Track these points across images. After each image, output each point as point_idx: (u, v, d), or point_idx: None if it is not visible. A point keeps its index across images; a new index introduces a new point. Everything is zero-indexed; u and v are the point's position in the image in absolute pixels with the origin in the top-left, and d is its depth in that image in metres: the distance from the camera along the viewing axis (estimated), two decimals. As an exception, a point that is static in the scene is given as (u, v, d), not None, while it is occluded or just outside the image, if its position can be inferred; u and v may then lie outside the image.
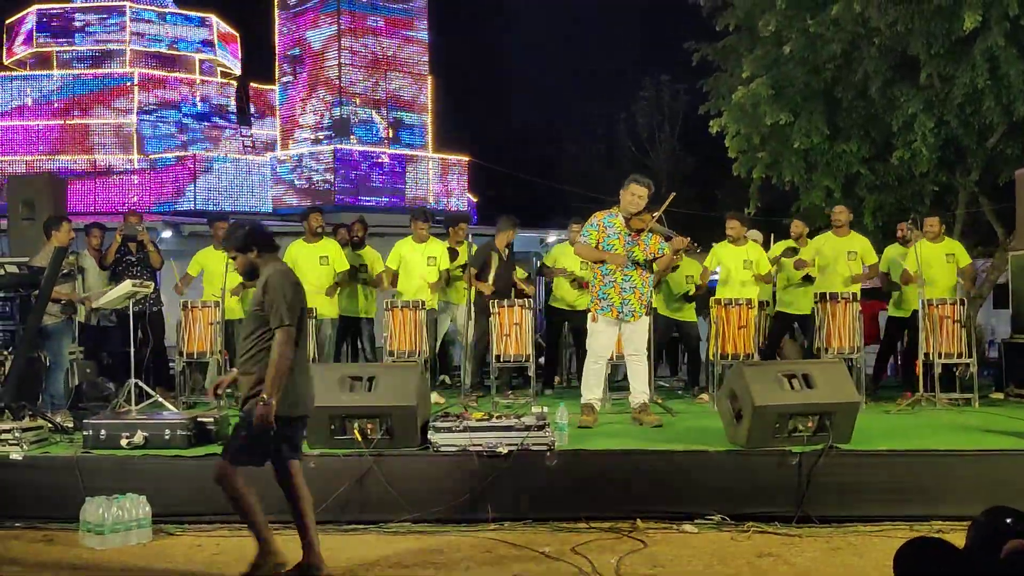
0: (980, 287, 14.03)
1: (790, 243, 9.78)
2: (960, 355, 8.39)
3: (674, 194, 7.56)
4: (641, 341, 7.38)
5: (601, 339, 7.34)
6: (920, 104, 11.19)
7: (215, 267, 9.21)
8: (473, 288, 8.95)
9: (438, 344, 9.90)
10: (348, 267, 9.44)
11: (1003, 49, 10.35)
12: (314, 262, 9.19)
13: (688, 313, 9.77)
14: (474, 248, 9.23)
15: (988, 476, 5.79)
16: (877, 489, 5.77)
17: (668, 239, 7.33)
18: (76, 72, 22.57)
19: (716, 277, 9.36)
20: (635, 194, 7.22)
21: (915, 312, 8.98)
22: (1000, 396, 8.97)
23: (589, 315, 7.38)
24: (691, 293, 9.63)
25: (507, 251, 9.52)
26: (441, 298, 9.51)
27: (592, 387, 7.34)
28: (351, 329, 10.12)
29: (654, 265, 7.39)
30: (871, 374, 9.59)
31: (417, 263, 9.25)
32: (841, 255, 9.04)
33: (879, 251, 9.59)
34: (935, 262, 8.76)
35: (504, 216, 9.82)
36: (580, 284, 9.70)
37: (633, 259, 7.22)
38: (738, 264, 8.97)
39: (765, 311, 9.73)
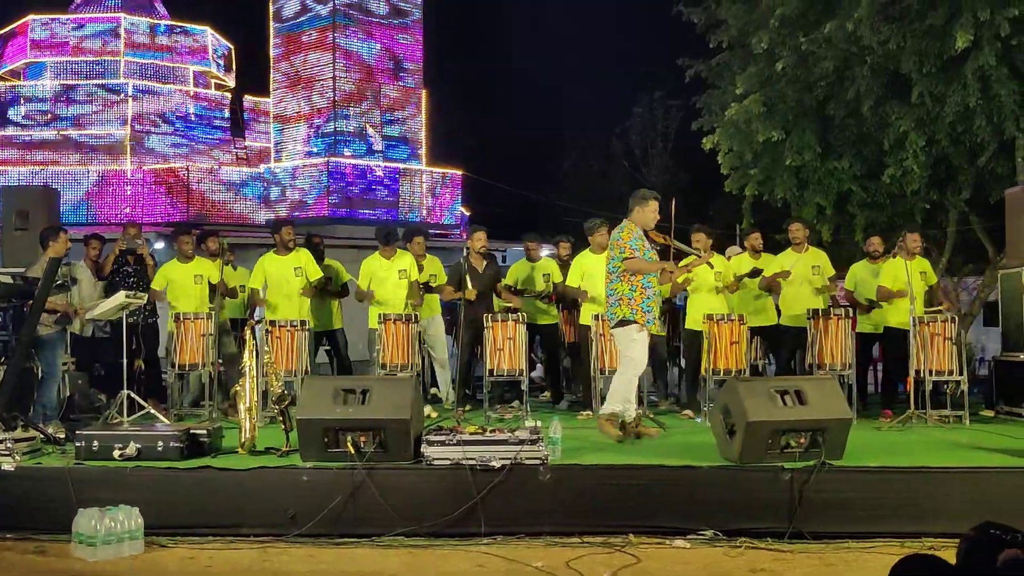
0: (971, 304, 14.13)
1: (747, 257, 9.75)
2: (951, 372, 8.43)
3: (675, 200, 7.63)
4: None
5: (643, 350, 7.34)
6: (911, 122, 11.26)
7: (182, 280, 9.21)
8: (462, 302, 8.97)
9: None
10: (322, 275, 9.44)
11: (994, 69, 10.42)
12: (289, 273, 9.20)
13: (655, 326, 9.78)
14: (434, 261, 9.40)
15: (979, 493, 5.81)
16: (869, 505, 5.78)
17: (686, 254, 7.58)
18: (70, 82, 22.58)
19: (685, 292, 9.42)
20: (654, 210, 7.36)
21: (887, 329, 9.06)
22: (990, 413, 9.01)
23: (633, 327, 7.25)
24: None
25: (483, 261, 9.50)
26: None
27: (630, 400, 7.33)
28: (326, 341, 10.07)
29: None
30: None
31: (388, 279, 9.25)
32: (806, 270, 9.15)
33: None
34: (911, 278, 8.80)
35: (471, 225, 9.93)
36: (548, 299, 9.78)
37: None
38: (708, 276, 8.98)
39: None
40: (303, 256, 9.36)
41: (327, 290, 9.83)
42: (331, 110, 21.83)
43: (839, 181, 12.58)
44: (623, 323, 7.31)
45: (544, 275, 9.95)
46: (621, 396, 7.31)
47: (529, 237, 10.39)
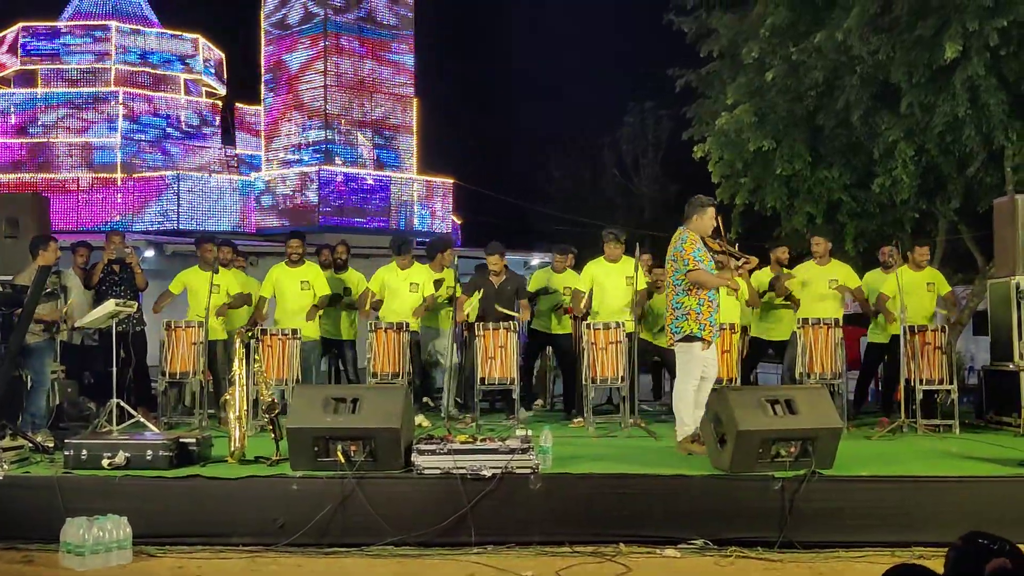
0: (960, 314, 14.17)
1: (768, 273, 9.71)
2: (941, 381, 8.46)
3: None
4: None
5: (698, 367, 7.11)
6: (901, 132, 11.30)
7: (200, 287, 9.21)
8: (459, 314, 8.97)
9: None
10: (329, 291, 9.45)
11: (983, 79, 10.48)
12: (295, 286, 9.25)
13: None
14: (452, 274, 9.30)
15: (969, 502, 5.83)
16: (859, 515, 5.79)
17: (736, 258, 7.43)
18: (60, 90, 22.53)
19: None
20: (712, 216, 7.21)
21: (894, 337, 9.07)
22: (980, 423, 9.03)
23: (698, 344, 7.06)
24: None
25: (500, 276, 9.45)
26: (426, 323, 9.49)
27: (692, 414, 7.09)
28: (333, 351, 10.11)
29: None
30: (852, 400, 9.64)
31: (400, 290, 9.25)
32: (824, 283, 9.14)
33: (861, 276, 9.67)
34: (916, 290, 8.84)
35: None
36: (564, 310, 9.76)
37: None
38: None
39: (747, 336, 9.74)
40: (312, 270, 9.40)
41: (342, 302, 9.87)
42: (322, 118, 21.82)
43: (829, 190, 12.62)
44: (689, 339, 7.07)
45: (566, 288, 9.86)
46: (688, 415, 7.08)
47: (557, 250, 10.33)
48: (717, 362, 7.46)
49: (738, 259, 7.49)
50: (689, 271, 7.04)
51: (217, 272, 8.78)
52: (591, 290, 9.16)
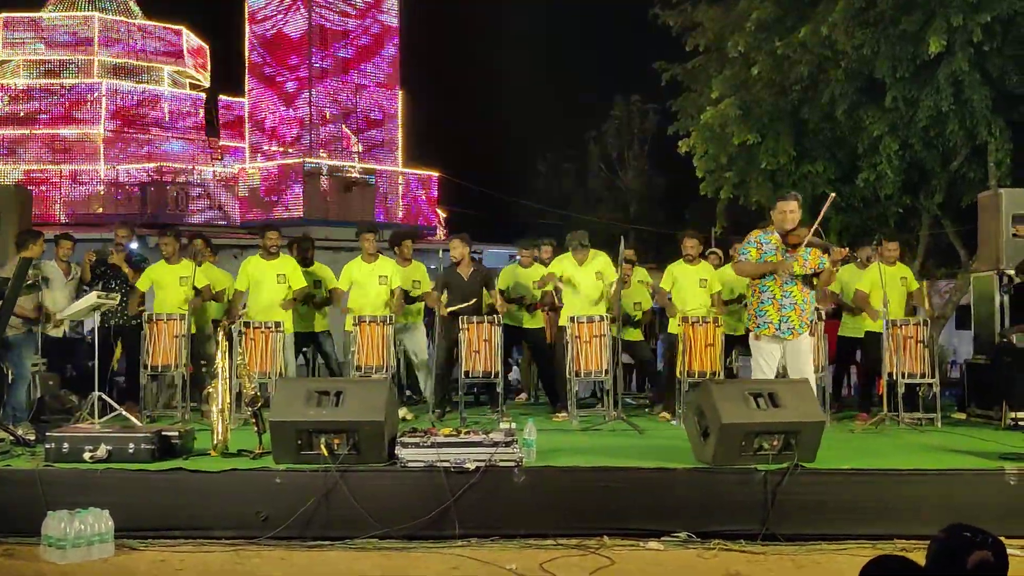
0: (944, 308, 14.25)
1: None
2: (923, 375, 8.50)
3: (833, 195, 7.54)
4: (805, 362, 7.14)
5: (764, 357, 7.09)
6: (885, 127, 11.35)
7: (168, 281, 9.13)
8: (437, 309, 8.96)
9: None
10: (305, 284, 9.35)
11: (967, 74, 10.53)
12: (272, 279, 9.14)
13: (634, 333, 9.80)
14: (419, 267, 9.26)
15: (951, 495, 5.85)
16: (841, 507, 5.80)
17: (826, 251, 7.20)
18: (43, 81, 22.40)
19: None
20: (784, 211, 7.07)
21: (868, 333, 9.10)
22: (962, 416, 9.08)
23: (750, 335, 7.17)
24: (636, 319, 9.70)
25: (469, 268, 9.45)
26: (398, 319, 9.43)
27: None
28: (308, 344, 9.98)
29: (814, 280, 7.18)
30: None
31: (369, 283, 9.17)
32: (695, 281, 9.09)
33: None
34: (890, 284, 8.85)
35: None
36: (534, 306, 9.76)
37: (792, 274, 7.03)
38: (693, 283, 9.01)
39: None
40: (288, 264, 9.28)
41: (313, 301, 9.72)
42: (307, 111, 21.76)
43: (813, 184, 12.65)
44: (748, 332, 7.17)
45: (535, 282, 9.84)
46: None
47: (523, 244, 10.28)
48: (807, 356, 7.19)
49: (825, 251, 7.33)
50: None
51: (200, 265, 8.69)
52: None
